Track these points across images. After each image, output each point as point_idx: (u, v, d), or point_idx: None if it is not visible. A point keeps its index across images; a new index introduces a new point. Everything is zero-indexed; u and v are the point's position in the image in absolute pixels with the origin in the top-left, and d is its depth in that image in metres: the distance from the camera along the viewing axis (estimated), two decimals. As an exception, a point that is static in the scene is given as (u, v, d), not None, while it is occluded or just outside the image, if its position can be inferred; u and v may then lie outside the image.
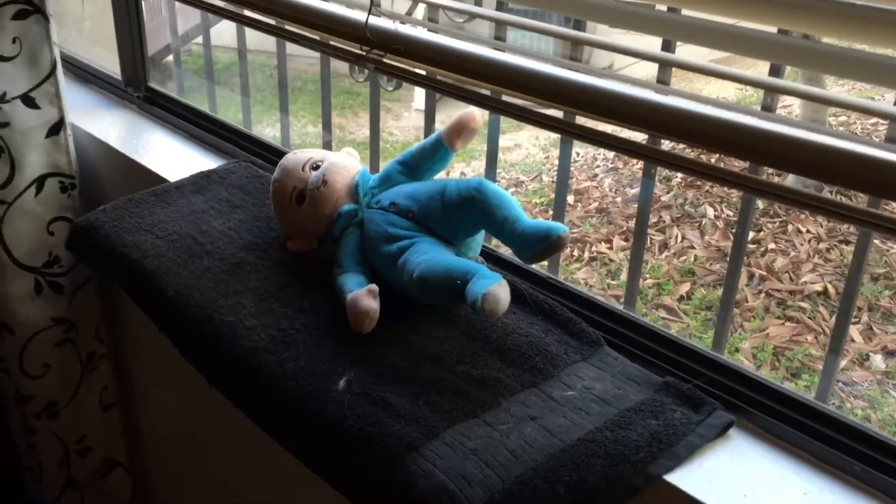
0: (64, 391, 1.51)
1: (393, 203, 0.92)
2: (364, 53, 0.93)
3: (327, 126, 1.32)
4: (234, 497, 1.40)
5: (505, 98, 0.89)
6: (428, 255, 0.85)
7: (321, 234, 0.98)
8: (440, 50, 0.88)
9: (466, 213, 0.86)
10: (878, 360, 3.13)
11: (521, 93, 0.83)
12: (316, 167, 0.98)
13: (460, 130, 0.94)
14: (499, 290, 0.78)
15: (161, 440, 1.62)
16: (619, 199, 4.29)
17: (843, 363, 3.06)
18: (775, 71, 0.79)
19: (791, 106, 4.50)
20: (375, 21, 0.92)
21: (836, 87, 4.50)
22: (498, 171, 1.22)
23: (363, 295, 0.86)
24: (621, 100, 0.76)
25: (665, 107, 0.74)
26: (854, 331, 3.22)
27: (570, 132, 0.85)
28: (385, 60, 0.92)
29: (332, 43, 0.97)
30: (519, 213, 0.84)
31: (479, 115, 0.94)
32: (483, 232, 0.91)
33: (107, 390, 1.58)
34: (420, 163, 0.96)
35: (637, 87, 0.77)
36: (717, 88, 5.07)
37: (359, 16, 0.93)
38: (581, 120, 0.83)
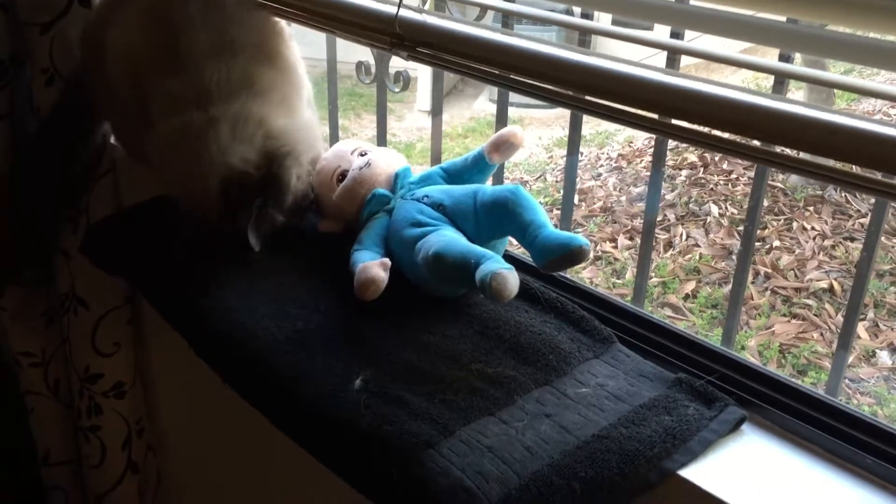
0: (130, 371, 1.52)
1: (427, 196, 0.95)
2: (391, 46, 0.95)
3: (334, 126, 1.34)
4: (252, 495, 1.41)
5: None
6: (448, 238, 0.87)
7: (352, 217, 1.01)
8: (466, 40, 0.89)
9: (496, 212, 0.88)
10: (884, 357, 3.13)
11: (548, 82, 0.82)
12: (364, 154, 1.03)
13: (500, 144, 0.98)
14: (508, 273, 0.80)
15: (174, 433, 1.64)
16: (623, 199, 4.29)
17: (849, 359, 3.07)
18: (785, 58, 0.80)
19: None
20: (405, 13, 0.93)
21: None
22: (502, 171, 1.23)
23: (374, 265, 0.89)
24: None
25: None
26: (860, 327, 3.22)
27: (611, 117, 0.81)
28: (419, 49, 0.93)
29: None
30: (545, 220, 0.86)
31: (521, 132, 0.98)
32: (506, 241, 0.93)
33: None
34: (461, 172, 1.01)
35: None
36: (733, 78, 5.07)
37: (389, 9, 0.95)
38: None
